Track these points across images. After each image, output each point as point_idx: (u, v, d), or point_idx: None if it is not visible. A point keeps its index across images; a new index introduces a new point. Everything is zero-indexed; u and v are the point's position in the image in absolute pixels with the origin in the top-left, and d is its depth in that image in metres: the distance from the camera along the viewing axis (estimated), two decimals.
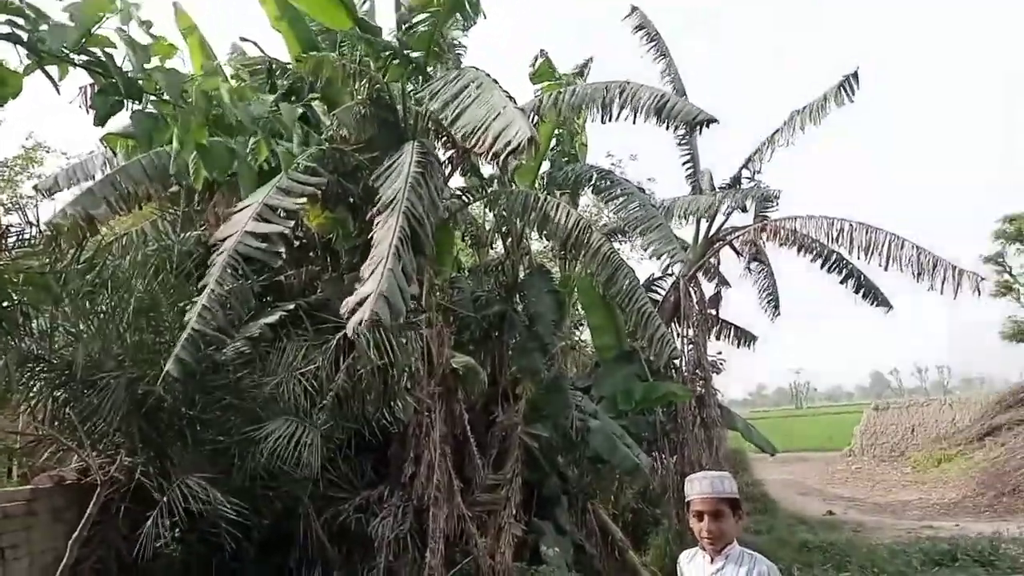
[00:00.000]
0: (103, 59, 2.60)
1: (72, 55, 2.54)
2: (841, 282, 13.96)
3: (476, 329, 9.01)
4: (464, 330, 8.93)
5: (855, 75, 12.74)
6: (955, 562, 11.57)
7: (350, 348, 7.04)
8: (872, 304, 14.17)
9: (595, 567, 9.60)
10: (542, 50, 10.68)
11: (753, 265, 14.85)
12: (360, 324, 4.89)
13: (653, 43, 13.73)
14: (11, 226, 5.96)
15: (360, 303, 5.03)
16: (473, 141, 5.99)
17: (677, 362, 12.37)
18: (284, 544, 7.09)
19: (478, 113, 6.08)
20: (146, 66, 2.67)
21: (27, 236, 5.91)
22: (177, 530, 6.08)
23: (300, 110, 7.10)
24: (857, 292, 14.01)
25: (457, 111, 6.31)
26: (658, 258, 8.91)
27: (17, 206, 7.50)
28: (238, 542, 6.10)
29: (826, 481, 24.51)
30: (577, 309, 12.68)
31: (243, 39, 9.71)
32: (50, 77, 2.63)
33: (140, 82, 2.69)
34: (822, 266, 13.71)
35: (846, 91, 12.75)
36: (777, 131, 13.58)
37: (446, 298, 8.80)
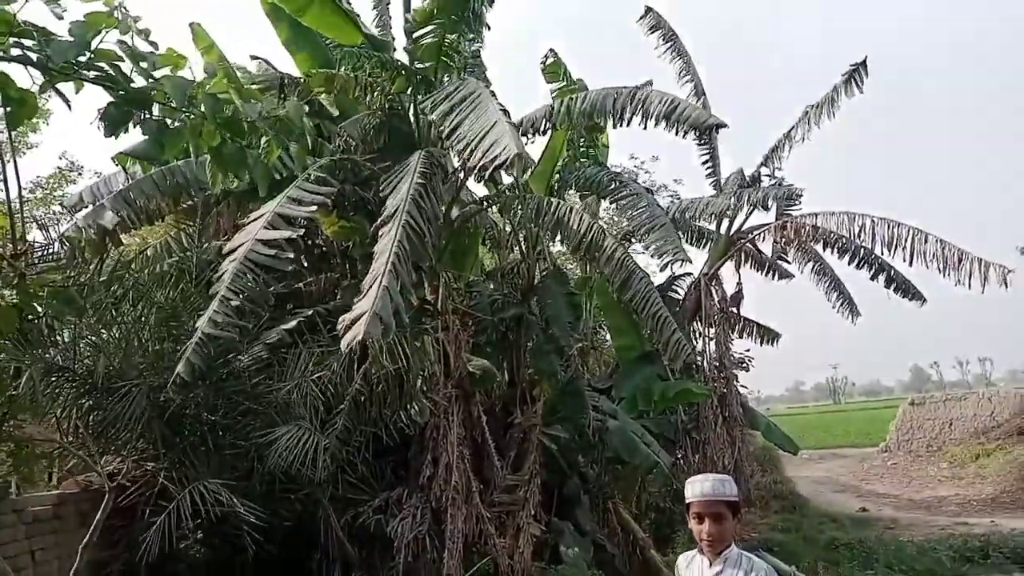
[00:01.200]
0: (111, 72, 2.71)
1: (81, 71, 2.65)
2: (872, 278, 13.77)
3: (493, 332, 9.11)
4: (481, 333, 9.03)
5: (864, 64, 12.63)
6: (987, 559, 11.40)
7: (363, 353, 7.19)
8: (905, 298, 13.98)
9: (616, 566, 9.64)
10: (551, 50, 10.77)
11: (815, 267, 14.71)
12: (353, 341, 5.03)
13: (670, 43, 13.70)
14: (35, 242, 6.20)
15: (356, 320, 5.17)
16: (466, 155, 6.10)
17: (699, 361, 12.37)
18: (305, 545, 7.26)
19: (473, 128, 6.18)
20: (154, 74, 2.77)
21: (51, 251, 6.14)
22: (200, 532, 6.29)
23: (311, 122, 7.28)
24: (889, 287, 13.81)
25: (453, 124, 6.42)
26: (660, 257, 8.94)
27: (41, 223, 7.75)
28: (260, 544, 6.26)
29: (861, 478, 24.12)
30: (598, 310, 12.70)
31: (254, 57, 9.96)
32: (61, 95, 2.77)
33: (149, 91, 2.79)
34: (850, 262, 13.56)
35: (855, 81, 12.63)
36: (793, 127, 13.50)
37: (464, 302, 8.90)
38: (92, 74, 2.66)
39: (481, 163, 5.84)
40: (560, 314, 9.19)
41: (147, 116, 2.85)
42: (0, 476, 6.69)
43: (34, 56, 2.55)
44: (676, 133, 7.78)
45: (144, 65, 2.69)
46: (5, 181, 6.16)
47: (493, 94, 6.75)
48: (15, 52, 2.54)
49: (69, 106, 2.86)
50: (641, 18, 13.80)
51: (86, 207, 8.49)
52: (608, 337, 13.30)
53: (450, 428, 7.82)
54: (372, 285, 5.39)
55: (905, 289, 13.90)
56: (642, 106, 7.96)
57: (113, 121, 2.78)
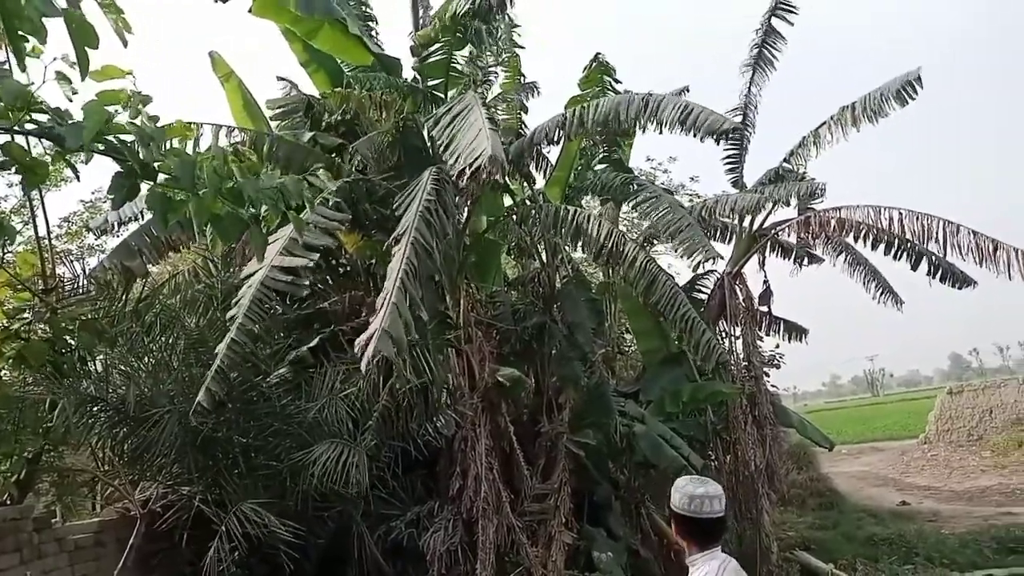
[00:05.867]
0: (119, 146, 2.85)
1: (92, 143, 2.80)
2: (913, 268, 13.44)
3: (516, 342, 9.16)
4: (505, 343, 9.09)
5: (918, 78, 12.34)
6: None
7: (388, 369, 7.29)
8: (952, 286, 13.59)
9: (652, 571, 9.62)
10: (598, 54, 10.55)
11: (847, 258, 14.49)
12: (378, 361, 5.16)
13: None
14: (63, 278, 6.39)
15: (369, 339, 5.30)
16: (452, 161, 6.25)
17: (727, 360, 12.28)
18: (341, 562, 7.35)
19: (464, 138, 6.32)
20: (161, 149, 2.92)
21: (79, 286, 6.32)
22: (237, 553, 6.41)
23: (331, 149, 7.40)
24: (934, 275, 13.41)
25: (449, 138, 6.56)
26: (690, 257, 8.89)
27: (68, 258, 8.00)
28: (297, 562, 6.38)
29: (901, 471, 23.81)
30: (622, 314, 12.69)
31: (280, 78, 10.14)
32: (72, 166, 2.92)
33: (155, 165, 2.93)
34: (885, 252, 13.29)
35: (907, 92, 12.31)
36: (823, 125, 13.32)
37: (487, 313, 8.97)
38: (101, 147, 2.80)
39: (460, 168, 5.98)
40: (582, 320, 9.21)
41: (153, 190, 2.98)
42: (44, 505, 6.89)
43: (48, 129, 2.70)
44: (694, 136, 7.80)
45: (151, 145, 2.83)
46: (34, 222, 6.42)
47: (485, 106, 6.85)
48: (29, 126, 2.68)
49: (78, 177, 3.02)
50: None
51: (112, 228, 8.72)
52: (634, 341, 13.26)
53: (478, 439, 7.88)
54: (384, 304, 5.51)
55: (952, 276, 13.46)
56: (656, 114, 7.99)
57: (120, 192, 2.91)
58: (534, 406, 9.40)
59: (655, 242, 13.28)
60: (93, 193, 12.18)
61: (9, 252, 8.41)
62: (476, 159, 5.86)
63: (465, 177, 6.09)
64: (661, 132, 8.17)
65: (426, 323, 7.45)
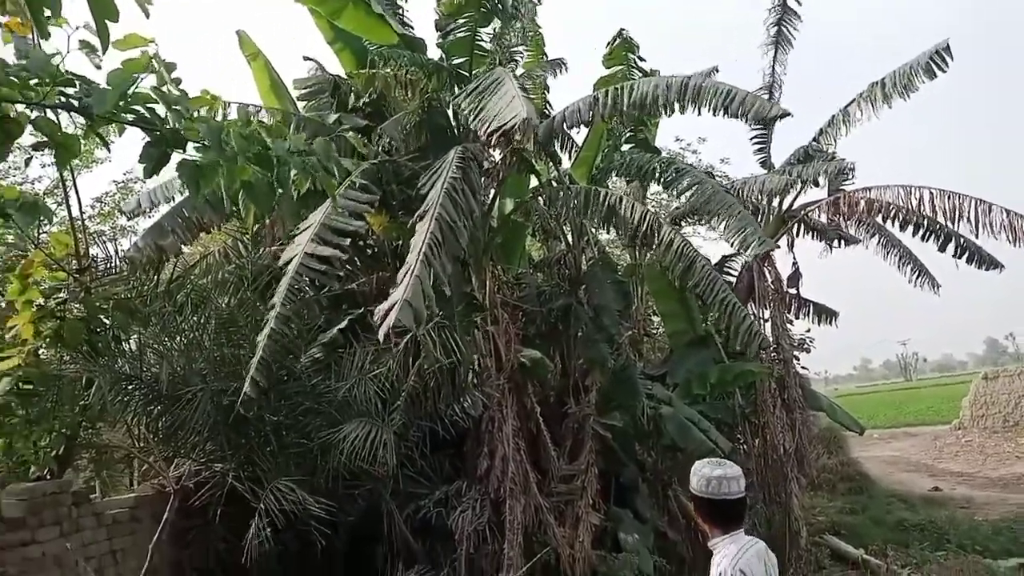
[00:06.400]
0: (147, 115, 2.89)
1: (120, 114, 2.83)
2: (940, 249, 13.24)
3: (542, 323, 9.16)
4: (530, 325, 9.09)
5: (947, 48, 12.06)
6: None
7: (416, 349, 7.35)
8: (980, 268, 13.38)
9: (679, 552, 9.62)
10: (622, 30, 10.37)
11: (880, 239, 14.28)
12: (390, 330, 5.19)
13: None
14: (96, 258, 6.50)
15: (390, 309, 5.33)
16: (481, 127, 6.23)
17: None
18: (371, 539, 7.45)
19: (494, 105, 6.29)
20: (187, 117, 2.95)
21: (112, 265, 6.43)
22: (269, 529, 6.53)
23: (358, 130, 7.44)
24: (960, 256, 13.22)
25: (479, 107, 6.53)
26: (742, 244, 8.61)
27: (102, 239, 8.13)
28: (327, 538, 6.49)
29: (933, 456, 23.50)
30: (648, 297, 12.61)
31: (307, 58, 10.17)
32: (102, 138, 2.96)
33: (182, 132, 2.96)
34: (914, 234, 13.10)
35: (936, 64, 12.04)
36: (853, 102, 13.09)
37: (512, 294, 8.98)
38: (130, 117, 2.83)
39: (493, 131, 5.96)
40: (608, 302, 9.17)
41: (183, 158, 3.01)
42: (83, 481, 7.06)
43: (76, 102, 2.73)
44: (740, 119, 7.68)
45: (178, 109, 2.85)
46: (67, 202, 6.55)
47: (514, 77, 6.83)
48: (58, 100, 2.72)
49: (108, 149, 3.06)
50: None
51: (144, 211, 8.84)
52: (660, 323, 13.20)
53: (504, 420, 7.92)
54: (406, 275, 5.54)
55: (979, 257, 13.23)
56: (697, 97, 7.87)
57: (151, 161, 2.95)
58: (560, 388, 9.42)
59: (682, 223, 13.10)
60: (125, 174, 12.35)
61: (44, 232, 8.59)
62: (508, 122, 5.83)
63: (495, 137, 6.08)
64: (700, 114, 8.09)
65: (453, 302, 7.49)
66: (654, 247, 8.31)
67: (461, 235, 6.37)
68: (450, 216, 6.20)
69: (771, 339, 11.86)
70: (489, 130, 6.14)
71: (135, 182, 12.26)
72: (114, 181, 12.09)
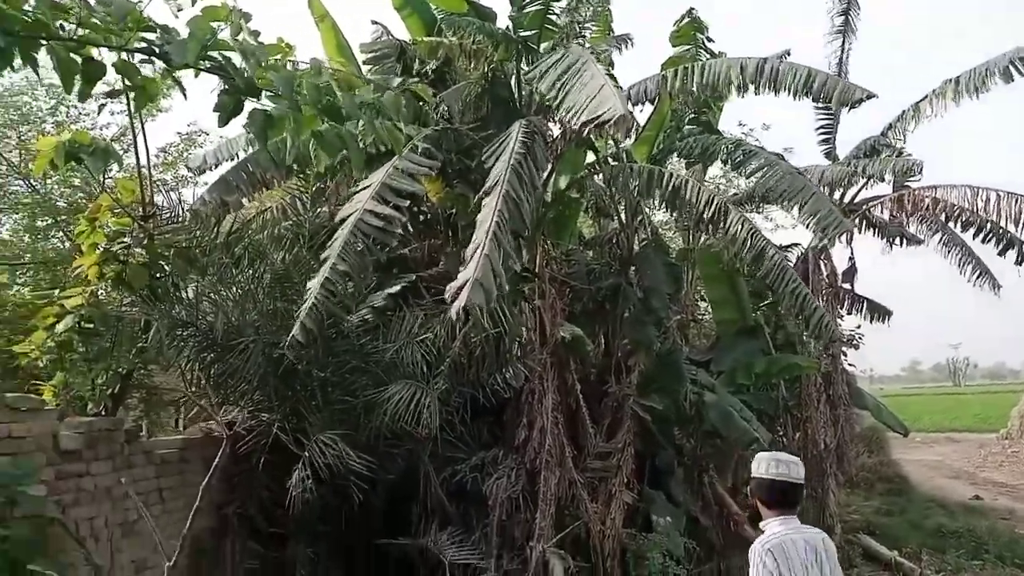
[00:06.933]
0: (223, 63, 2.95)
1: (198, 61, 2.90)
2: (1000, 253, 12.89)
3: (589, 301, 9.16)
4: (577, 301, 9.10)
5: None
6: None
7: (466, 317, 7.41)
8: None
9: (709, 538, 9.63)
10: (691, 9, 10.15)
11: (943, 238, 13.94)
12: (460, 310, 5.24)
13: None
14: (160, 207, 6.67)
15: (460, 288, 5.37)
16: (570, 119, 6.17)
17: (804, 338, 12.02)
18: (406, 499, 7.59)
19: (581, 94, 6.22)
20: (262, 65, 3.00)
21: (176, 215, 6.59)
22: (311, 481, 6.70)
23: (409, 90, 7.47)
24: (1021, 263, 12.85)
25: (563, 93, 6.47)
26: (821, 229, 8.37)
27: (166, 188, 8.34)
28: (365, 494, 6.64)
29: (977, 464, 22.99)
30: (699, 282, 12.48)
31: (374, 22, 10.20)
32: (180, 84, 3.03)
33: (257, 81, 3.02)
34: (975, 235, 12.76)
35: (1016, 67, 11.60)
36: (924, 99, 12.72)
37: (561, 270, 8.98)
38: (207, 64, 2.89)
39: (584, 123, 5.91)
40: (659, 285, 9.11)
41: (255, 107, 3.06)
42: (133, 420, 7.31)
43: (156, 49, 2.79)
44: (823, 101, 7.53)
45: (253, 61, 2.90)
46: (136, 149, 6.71)
47: (598, 60, 6.74)
48: (139, 45, 2.78)
49: (186, 96, 3.12)
50: None
51: (209, 168, 9.04)
52: (709, 310, 13.08)
53: (545, 393, 7.97)
54: (474, 254, 5.57)
55: None
56: (774, 80, 7.71)
57: (225, 110, 3.00)
58: (602, 366, 9.44)
59: (749, 206, 12.83)
60: (189, 125, 12.57)
61: (109, 178, 8.82)
62: (602, 115, 5.78)
63: (590, 132, 6.04)
64: (777, 96, 7.92)
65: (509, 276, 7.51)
66: (719, 232, 8.11)
67: (526, 212, 6.37)
68: (516, 192, 6.19)
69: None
70: (580, 121, 6.05)
71: (199, 134, 12.49)
72: (178, 132, 12.32)
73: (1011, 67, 11.53)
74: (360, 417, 6.87)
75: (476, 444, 7.97)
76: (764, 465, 3.69)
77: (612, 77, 6.51)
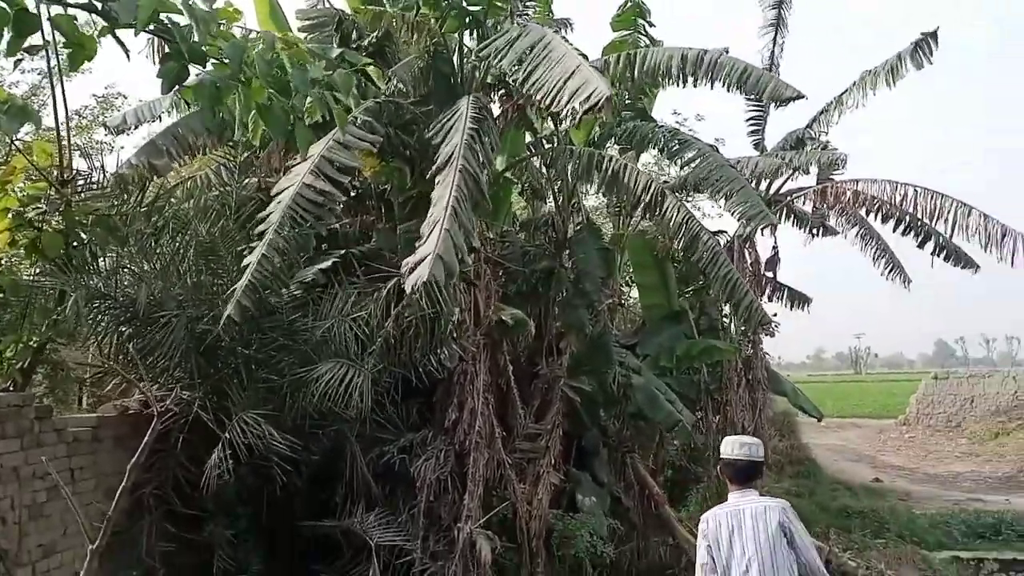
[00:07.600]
0: (170, 27, 2.76)
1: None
2: (919, 246, 13.42)
3: (523, 283, 9.14)
4: (511, 283, 9.06)
5: (934, 35, 12.13)
6: (998, 535, 11.49)
7: (399, 296, 7.27)
8: (956, 266, 13.59)
9: (631, 519, 9.81)
10: None
11: (860, 231, 14.40)
12: (417, 283, 5.14)
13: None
14: (80, 171, 6.28)
15: (419, 262, 5.25)
16: (547, 101, 6.10)
17: (726, 323, 12.34)
18: (331, 480, 7.44)
19: (552, 73, 6.16)
20: (211, 33, 2.82)
21: (96, 180, 6.22)
22: (231, 461, 6.48)
23: (359, 69, 7.24)
24: (938, 255, 13.41)
25: (527, 70, 6.39)
26: (746, 221, 8.60)
27: (87, 152, 7.86)
28: (289, 475, 6.47)
29: (877, 448, 24.16)
30: (627, 267, 12.63)
31: None
32: (122, 44, 2.81)
33: (204, 48, 2.84)
34: (895, 229, 13.29)
35: (923, 52, 12.13)
36: (845, 92, 13.15)
37: (496, 251, 8.93)
38: (152, 26, 2.70)
39: (570, 107, 5.85)
40: (592, 269, 9.17)
41: (200, 77, 2.90)
42: (36, 397, 6.91)
43: (99, 5, 2.60)
44: (753, 97, 7.67)
45: (203, 27, 2.73)
46: (55, 109, 6.27)
47: (565, 39, 6.66)
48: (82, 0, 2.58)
49: (128, 57, 2.91)
50: None
51: (129, 129, 8.56)
52: (635, 295, 13.26)
53: (477, 374, 7.92)
54: (433, 229, 5.46)
55: (956, 257, 13.45)
56: (712, 72, 7.80)
57: (170, 76, 2.83)
58: (534, 348, 9.45)
59: (682, 194, 13.04)
60: (106, 88, 11.91)
61: (20, 139, 8.25)
62: (588, 97, 5.71)
63: (578, 117, 5.98)
64: (712, 88, 8.04)
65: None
66: (656, 217, 8.23)
67: (484, 188, 6.27)
68: (473, 168, 6.08)
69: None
70: (562, 103, 5.95)
71: (116, 97, 11.84)
72: (94, 95, 11.64)
73: (918, 53, 12.09)
74: (286, 396, 6.68)
75: (405, 425, 7.86)
76: (730, 447, 4.20)
77: (584, 56, 6.43)
